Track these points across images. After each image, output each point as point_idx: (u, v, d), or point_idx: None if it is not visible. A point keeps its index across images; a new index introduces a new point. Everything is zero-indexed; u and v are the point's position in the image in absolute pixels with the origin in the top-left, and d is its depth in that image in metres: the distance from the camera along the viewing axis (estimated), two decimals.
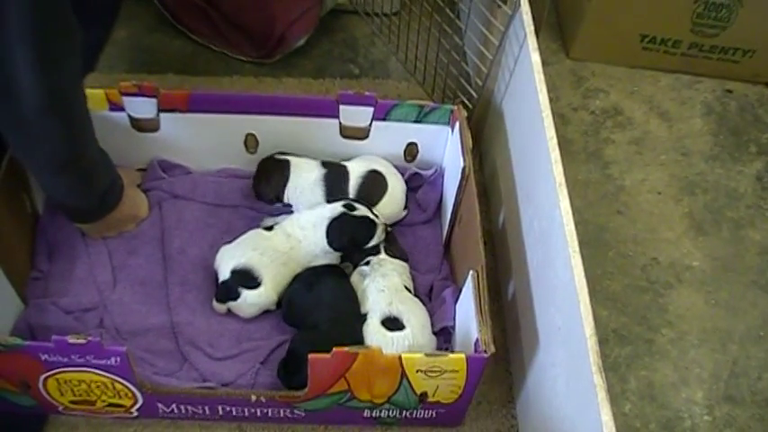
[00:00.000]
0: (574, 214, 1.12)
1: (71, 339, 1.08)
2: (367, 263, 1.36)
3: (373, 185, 1.43)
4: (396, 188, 1.45)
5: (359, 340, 1.27)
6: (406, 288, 1.35)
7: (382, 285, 1.31)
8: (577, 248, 1.06)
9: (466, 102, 1.55)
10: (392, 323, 1.28)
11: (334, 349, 1.08)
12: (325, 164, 1.44)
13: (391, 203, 1.45)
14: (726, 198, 1.68)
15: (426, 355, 1.11)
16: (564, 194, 1.12)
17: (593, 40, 1.87)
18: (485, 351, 1.10)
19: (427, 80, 1.70)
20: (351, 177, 1.43)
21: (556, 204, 1.12)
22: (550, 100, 1.26)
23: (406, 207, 1.47)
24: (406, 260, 1.40)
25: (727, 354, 1.45)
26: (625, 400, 1.37)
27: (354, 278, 1.36)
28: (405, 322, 1.27)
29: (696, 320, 1.48)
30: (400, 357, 1.10)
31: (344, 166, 1.44)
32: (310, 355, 1.09)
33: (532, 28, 1.33)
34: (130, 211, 1.42)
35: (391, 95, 1.73)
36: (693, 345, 1.45)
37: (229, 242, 1.38)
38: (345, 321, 1.29)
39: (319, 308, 1.30)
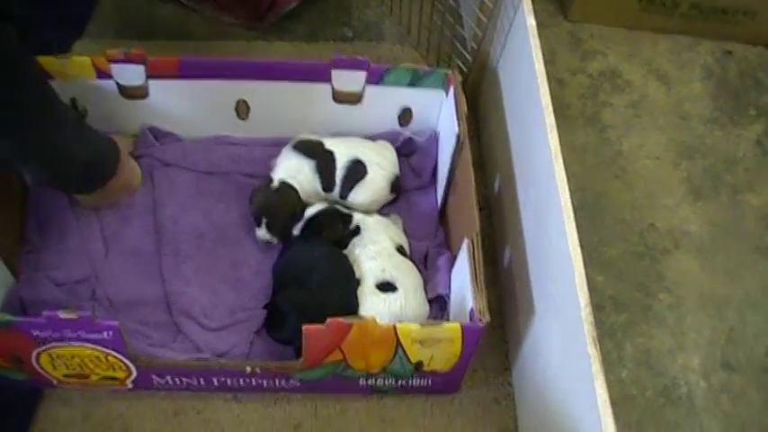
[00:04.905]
0: (570, 179, 1.10)
1: (62, 315, 1.07)
2: (356, 231, 1.36)
3: (354, 173, 1.42)
4: (376, 177, 1.42)
5: (349, 302, 1.27)
6: (399, 249, 1.34)
7: (373, 252, 1.31)
8: (573, 218, 1.05)
9: (461, 65, 1.52)
10: (386, 286, 1.28)
11: (328, 320, 1.07)
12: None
13: (368, 190, 1.43)
14: (724, 162, 1.66)
15: (421, 325, 1.10)
16: (559, 163, 1.10)
17: (592, 1, 1.84)
18: (480, 320, 1.09)
19: (422, 43, 1.67)
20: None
21: (551, 173, 1.10)
22: (547, 63, 1.24)
23: (393, 191, 1.44)
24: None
25: (724, 320, 1.44)
26: (621, 366, 1.36)
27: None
28: (398, 285, 1.28)
29: (693, 286, 1.47)
30: (395, 327, 1.09)
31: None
32: (304, 327, 1.08)
33: None
34: (125, 181, 1.39)
35: (385, 58, 1.70)
36: (690, 311, 1.44)
37: None
38: (336, 283, 1.29)
39: (310, 271, 1.29)
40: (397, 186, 1.45)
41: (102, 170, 1.32)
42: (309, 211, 1.37)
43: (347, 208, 1.41)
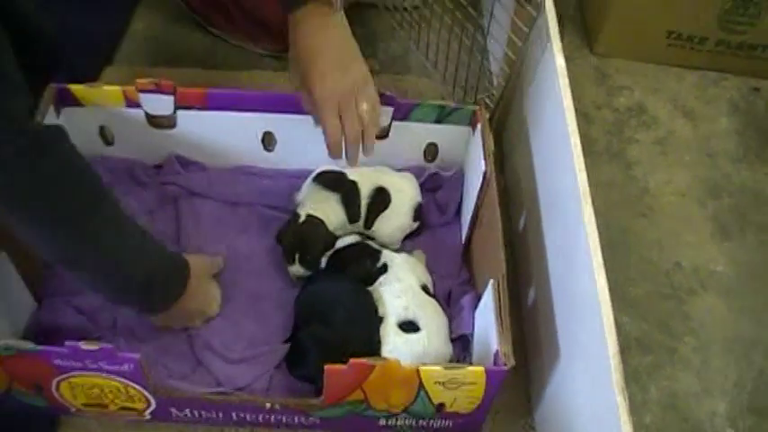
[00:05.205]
0: (596, 217, 1.09)
1: (84, 346, 1.06)
2: (384, 268, 1.34)
3: (379, 201, 1.41)
4: (399, 204, 1.42)
5: (372, 340, 1.25)
6: (424, 287, 1.33)
7: (398, 290, 1.30)
8: (602, 262, 1.04)
9: (487, 101, 1.52)
10: (408, 326, 1.26)
11: (350, 360, 1.06)
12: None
13: (393, 217, 1.42)
14: (752, 201, 1.64)
15: (445, 367, 1.09)
16: (588, 205, 1.09)
17: (618, 35, 1.84)
18: (504, 364, 1.08)
19: (448, 77, 1.67)
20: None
21: (580, 215, 1.09)
22: (573, 97, 1.23)
23: (416, 219, 1.44)
24: None
25: (751, 364, 1.41)
26: (646, 410, 1.34)
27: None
28: (421, 325, 1.26)
29: (720, 328, 1.45)
30: (418, 370, 1.08)
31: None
32: (326, 366, 1.07)
33: (557, 29, 1.30)
34: (198, 307, 1.29)
35: (411, 92, 1.70)
36: (717, 354, 1.42)
37: None
38: (359, 321, 1.28)
39: (333, 308, 1.28)
40: (419, 214, 1.44)
41: (164, 292, 1.20)
42: (339, 243, 1.37)
43: (372, 239, 1.40)
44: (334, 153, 1.23)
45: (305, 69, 1.19)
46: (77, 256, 1.08)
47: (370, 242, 1.39)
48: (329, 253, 1.36)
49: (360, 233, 1.42)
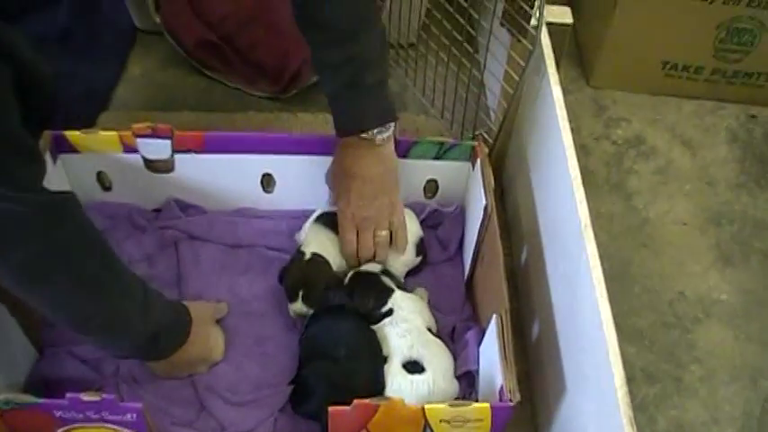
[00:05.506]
0: (597, 248, 1.09)
1: (85, 397, 1.05)
2: (389, 312, 1.33)
3: None
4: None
5: (377, 376, 1.24)
6: (430, 329, 1.32)
7: (403, 330, 1.28)
8: (606, 295, 1.03)
9: (485, 136, 1.52)
10: (413, 366, 1.25)
11: (354, 401, 1.05)
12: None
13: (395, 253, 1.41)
14: (753, 228, 1.64)
15: (450, 404, 1.07)
16: (590, 237, 1.09)
17: (614, 67, 1.84)
18: (510, 400, 1.07)
19: (446, 113, 1.67)
20: None
21: (582, 247, 1.09)
22: (571, 130, 1.23)
23: (419, 254, 1.43)
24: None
25: (758, 391, 1.41)
26: None
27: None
28: (426, 366, 1.24)
29: (726, 356, 1.44)
30: (423, 408, 1.07)
31: None
32: (330, 408, 1.06)
33: (554, 62, 1.31)
34: (201, 353, 1.29)
35: (409, 129, 1.70)
36: (723, 382, 1.41)
37: None
38: (363, 356, 1.26)
39: (337, 345, 1.27)
40: (422, 248, 1.43)
41: (168, 341, 1.22)
42: (362, 268, 1.37)
43: (391, 275, 1.39)
44: (348, 263, 1.38)
45: (339, 188, 1.35)
46: (87, 317, 1.09)
47: (385, 278, 1.36)
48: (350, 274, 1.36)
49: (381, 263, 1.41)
